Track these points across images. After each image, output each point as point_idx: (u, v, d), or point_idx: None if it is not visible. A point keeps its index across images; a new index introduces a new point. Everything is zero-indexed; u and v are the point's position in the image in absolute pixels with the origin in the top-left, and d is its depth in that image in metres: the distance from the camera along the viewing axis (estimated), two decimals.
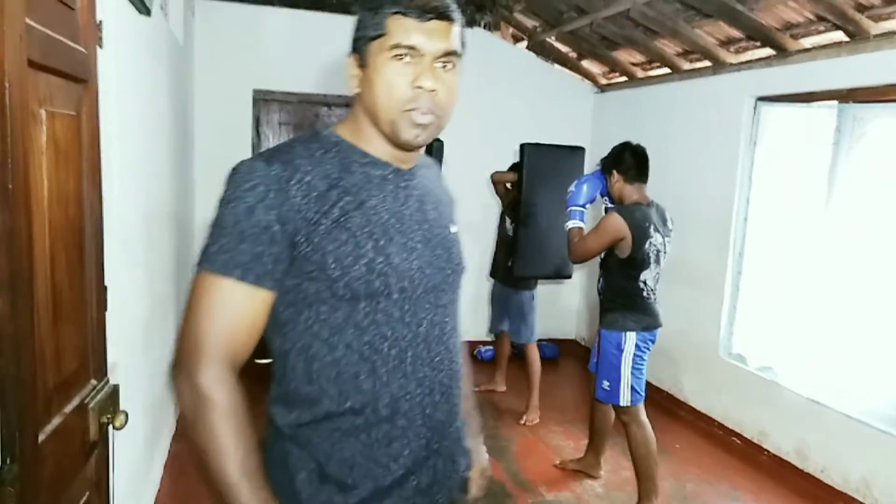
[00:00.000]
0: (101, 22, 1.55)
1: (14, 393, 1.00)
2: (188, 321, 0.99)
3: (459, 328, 1.23)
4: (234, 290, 0.98)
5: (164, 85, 2.92)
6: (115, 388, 1.47)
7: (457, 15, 1.07)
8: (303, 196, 0.99)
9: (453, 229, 1.24)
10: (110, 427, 1.41)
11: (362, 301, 1.02)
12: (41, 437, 1.11)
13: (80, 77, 1.35)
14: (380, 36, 1.02)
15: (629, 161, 2.91)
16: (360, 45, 1.06)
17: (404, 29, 1.01)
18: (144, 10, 2.19)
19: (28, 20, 1.04)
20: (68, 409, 1.25)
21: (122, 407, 1.48)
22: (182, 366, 0.98)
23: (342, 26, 1.51)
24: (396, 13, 1.01)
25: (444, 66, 1.06)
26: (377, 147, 1.09)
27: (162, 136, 2.82)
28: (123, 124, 1.92)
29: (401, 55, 1.02)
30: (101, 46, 1.55)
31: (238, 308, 0.99)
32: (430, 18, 1.02)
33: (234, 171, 1.02)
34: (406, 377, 1.06)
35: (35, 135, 1.11)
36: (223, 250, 0.97)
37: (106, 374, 1.51)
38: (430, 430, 1.09)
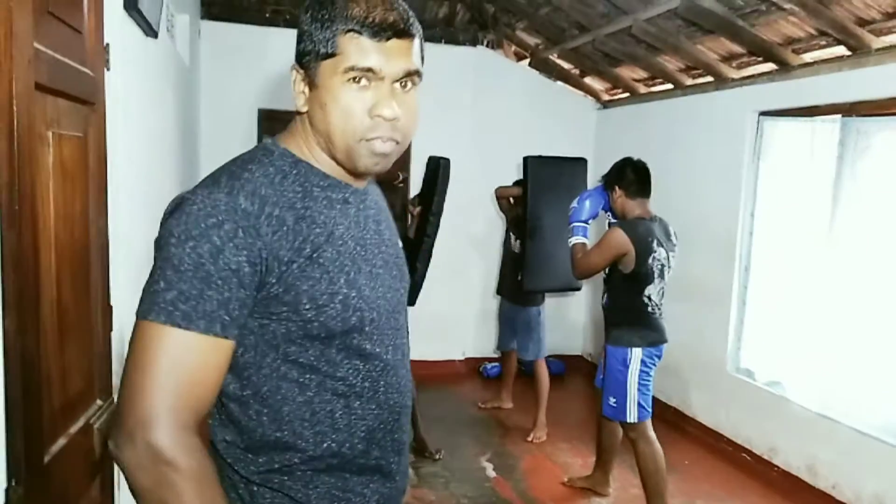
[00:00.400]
0: (108, 45, 1.57)
1: (20, 413, 1.01)
2: (139, 381, 0.85)
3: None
4: (198, 344, 0.86)
5: (171, 106, 2.95)
6: None
7: (416, 28, 0.96)
8: (273, 233, 0.89)
9: (399, 243, 1.15)
10: None
11: (336, 338, 0.95)
12: (46, 458, 1.11)
13: (88, 99, 1.37)
14: (331, 55, 0.91)
15: (631, 176, 2.91)
16: (307, 62, 0.94)
17: (360, 50, 0.90)
18: (151, 32, 2.22)
19: (36, 44, 1.06)
20: (74, 429, 1.25)
21: None
22: (134, 434, 0.83)
23: None
24: (350, 31, 0.90)
25: (404, 87, 0.95)
26: (330, 167, 0.99)
27: (168, 157, 2.84)
28: (130, 145, 1.94)
29: (356, 78, 0.91)
30: (108, 69, 1.57)
31: (202, 363, 0.87)
32: (389, 38, 0.91)
33: (184, 203, 0.89)
34: (380, 407, 1.01)
35: (42, 156, 1.12)
36: (183, 298, 0.85)
37: (111, 394, 1.52)
38: (396, 454, 1.06)
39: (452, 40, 5.07)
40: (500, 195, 4.22)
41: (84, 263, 1.37)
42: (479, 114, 5.10)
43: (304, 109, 0.97)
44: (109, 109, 1.55)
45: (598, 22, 4.14)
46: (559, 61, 5.22)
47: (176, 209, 0.89)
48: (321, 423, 0.97)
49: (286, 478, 0.97)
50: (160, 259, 0.88)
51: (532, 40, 5.22)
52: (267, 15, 4.66)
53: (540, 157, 3.88)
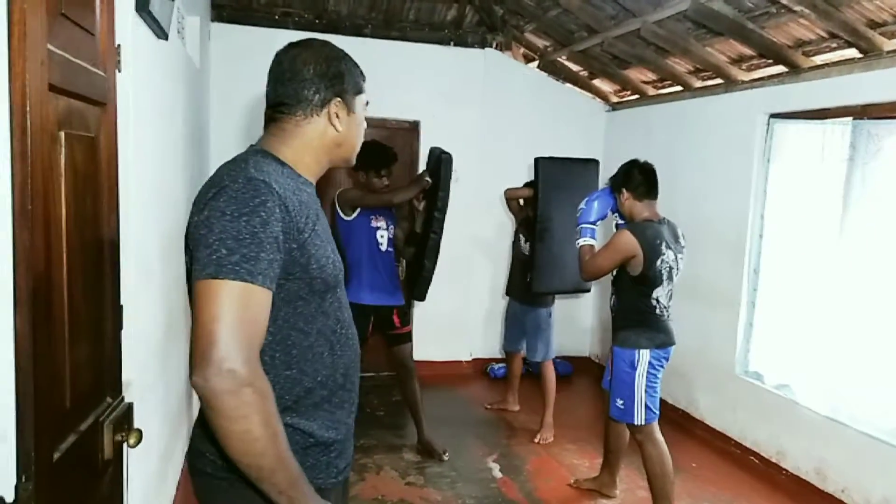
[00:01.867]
0: (119, 46, 1.58)
1: (30, 411, 1.02)
2: (219, 326, 1.05)
3: None
4: (258, 294, 1.09)
5: (181, 107, 2.97)
6: (130, 406, 1.48)
7: None
8: (293, 210, 1.17)
9: None
10: (124, 445, 1.42)
11: (329, 293, 1.26)
12: (56, 456, 1.12)
13: (99, 100, 1.38)
14: (361, 93, 1.34)
15: (638, 178, 2.91)
16: (347, 97, 1.31)
17: (365, 89, 1.37)
18: (162, 34, 2.24)
19: (49, 46, 1.07)
20: (83, 427, 1.26)
21: (136, 425, 1.50)
22: (220, 367, 1.04)
23: (356, 49, 1.55)
24: (361, 77, 1.36)
25: None
26: (306, 170, 1.31)
27: (178, 157, 2.86)
28: (141, 146, 1.95)
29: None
30: (119, 70, 1.59)
31: (261, 309, 1.11)
32: None
33: (229, 189, 1.13)
34: (350, 349, 1.33)
35: (54, 157, 1.14)
36: (245, 260, 1.08)
37: (121, 392, 1.53)
38: (357, 390, 1.38)
39: (461, 42, 5.08)
40: (510, 196, 4.21)
41: (95, 262, 1.38)
42: (488, 116, 5.11)
43: (341, 129, 1.31)
44: (120, 110, 1.57)
45: (607, 24, 4.14)
46: (568, 63, 5.22)
47: (220, 192, 1.13)
48: (317, 362, 1.25)
49: (294, 414, 1.23)
50: (216, 232, 1.10)
51: (541, 42, 5.22)
52: (276, 17, 4.69)
53: (551, 158, 3.88)
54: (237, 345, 1.05)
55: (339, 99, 1.29)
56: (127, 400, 1.50)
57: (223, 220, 1.10)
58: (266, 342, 1.15)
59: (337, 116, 1.30)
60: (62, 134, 1.17)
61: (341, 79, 1.30)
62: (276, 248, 1.12)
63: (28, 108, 0.98)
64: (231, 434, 1.05)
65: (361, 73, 1.36)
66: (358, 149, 1.37)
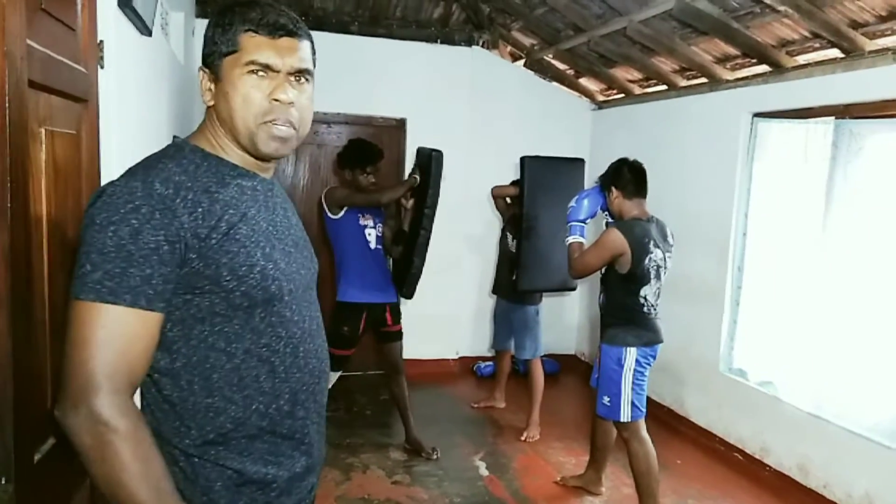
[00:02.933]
0: (101, 42, 1.56)
1: (9, 412, 1.00)
2: (78, 354, 0.94)
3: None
4: (126, 317, 0.96)
5: (165, 103, 2.94)
6: None
7: (305, 32, 1.12)
8: (189, 213, 1.00)
9: (303, 230, 1.29)
10: None
11: (259, 307, 1.07)
12: (37, 457, 1.11)
13: (81, 97, 1.37)
14: (233, 52, 1.06)
15: (627, 177, 2.92)
16: (212, 61, 1.09)
17: (256, 45, 1.06)
18: (145, 30, 2.21)
19: (29, 41, 1.05)
20: None
21: None
22: (77, 401, 0.93)
23: (343, 46, 1.54)
24: (248, 30, 1.06)
25: (298, 81, 1.10)
26: (239, 158, 1.12)
27: None
28: (123, 143, 1.93)
29: (255, 70, 1.06)
30: (101, 66, 1.57)
31: (132, 334, 0.96)
32: (281, 36, 1.07)
33: (104, 193, 0.99)
34: (300, 370, 1.13)
35: (35, 154, 1.12)
36: (108, 276, 0.94)
37: None
38: (318, 415, 1.20)
39: (448, 40, 5.07)
40: (497, 195, 4.22)
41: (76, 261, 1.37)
42: (475, 113, 5.10)
43: (211, 103, 1.11)
44: (103, 107, 1.55)
45: (593, 23, 4.15)
46: (554, 62, 5.23)
47: (96, 199, 0.99)
48: (249, 388, 1.07)
49: (222, 448, 1.06)
50: (85, 244, 0.97)
51: (527, 41, 5.22)
52: None
53: (537, 157, 3.88)
54: (97, 378, 0.93)
55: (203, 68, 1.11)
56: None
57: (91, 231, 0.96)
58: (178, 366, 1.04)
59: (209, 90, 1.10)
60: (42, 131, 1.15)
61: (208, 43, 1.10)
62: (157, 259, 0.96)
63: (7, 105, 0.97)
64: (94, 476, 0.95)
65: (249, 19, 1.06)
66: (249, 124, 1.07)
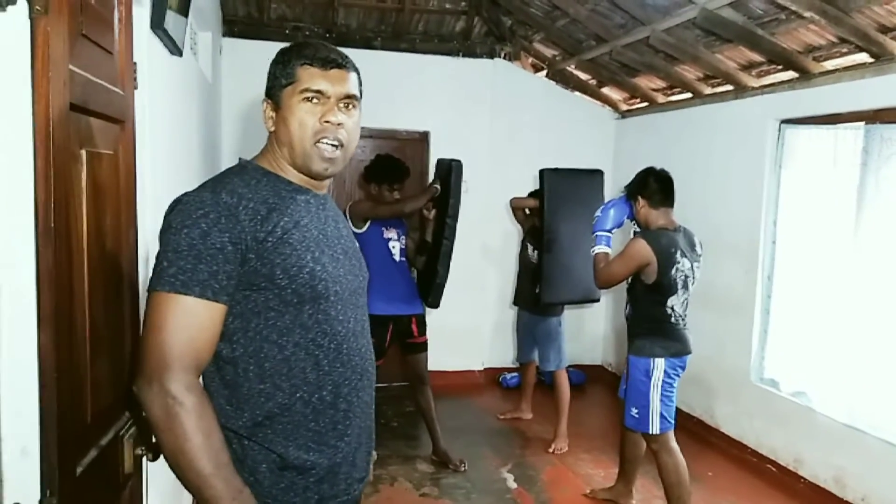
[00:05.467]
0: (136, 64, 1.60)
1: (54, 426, 1.03)
2: (153, 337, 1.09)
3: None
4: (196, 307, 1.10)
5: (195, 121, 3.00)
6: None
7: (353, 66, 1.28)
8: (250, 219, 1.15)
9: (356, 242, 1.42)
10: (144, 459, 1.42)
11: (307, 304, 1.19)
12: (79, 470, 1.13)
13: (118, 118, 1.40)
14: (291, 83, 1.23)
15: (653, 186, 2.90)
16: (273, 92, 1.26)
17: (310, 76, 1.22)
18: (176, 50, 2.27)
19: (71, 66, 1.09)
20: (104, 441, 1.27)
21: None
22: (151, 378, 1.08)
23: (367, 61, 1.57)
24: (304, 64, 1.23)
25: (347, 107, 1.25)
26: (295, 177, 1.27)
27: (192, 171, 2.89)
28: (156, 161, 1.98)
29: (309, 97, 1.22)
30: (136, 87, 1.61)
31: (199, 322, 1.11)
32: (332, 68, 1.24)
33: (180, 202, 1.16)
34: (344, 366, 1.24)
35: (76, 175, 1.15)
36: (181, 271, 1.10)
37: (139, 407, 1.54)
38: (362, 410, 1.29)
39: (470, 53, 5.10)
40: (516, 206, 4.22)
41: (115, 277, 1.40)
42: (497, 125, 5.12)
43: (272, 129, 1.27)
44: (137, 126, 1.59)
45: (616, 33, 4.15)
46: (576, 72, 5.23)
47: (174, 207, 1.16)
48: (296, 377, 1.19)
49: (269, 431, 1.19)
50: (162, 245, 1.13)
51: (549, 52, 5.23)
52: (287, 31, 4.73)
53: (556, 169, 3.87)
54: (169, 358, 1.08)
55: (266, 99, 1.28)
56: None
57: (168, 234, 1.13)
58: (237, 354, 1.17)
59: (271, 118, 1.27)
60: (83, 152, 1.18)
61: (270, 78, 1.28)
62: (222, 258, 1.11)
63: (51, 128, 1.00)
64: (162, 442, 1.10)
65: (304, 55, 1.24)
66: (304, 145, 1.23)
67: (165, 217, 1.16)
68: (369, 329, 1.36)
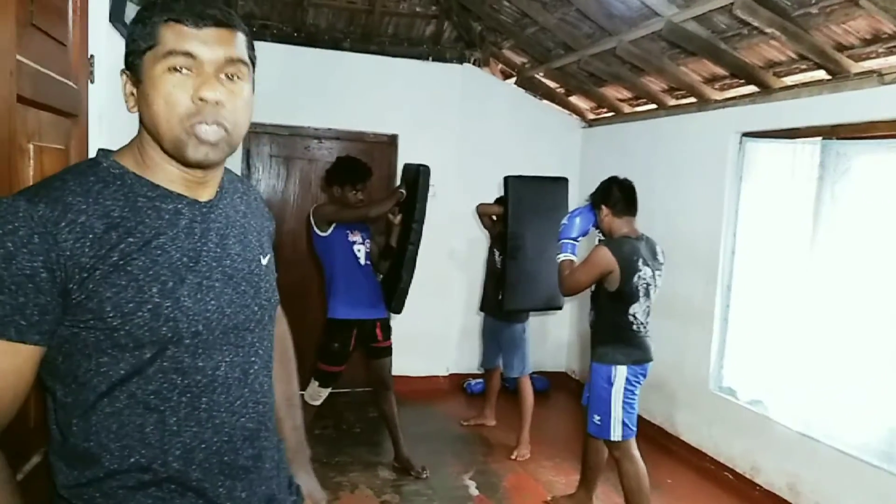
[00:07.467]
0: (92, 57, 1.56)
1: None
2: None
3: (271, 365, 1.12)
4: None
5: None
6: None
7: (239, 23, 0.98)
8: (75, 240, 0.88)
9: (264, 261, 1.12)
10: None
11: (147, 350, 0.93)
12: (20, 477, 1.08)
13: (71, 112, 1.36)
14: (151, 46, 0.92)
15: (617, 195, 2.94)
16: (132, 60, 0.95)
17: (178, 35, 0.92)
18: None
19: (19, 57, 1.05)
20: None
21: None
22: None
23: (334, 61, 1.54)
24: (169, 20, 0.92)
25: (231, 79, 0.96)
26: (167, 175, 0.98)
27: None
28: None
29: (178, 66, 0.92)
30: (92, 81, 1.56)
31: None
32: (207, 25, 0.93)
33: None
34: (200, 425, 0.98)
35: (23, 169, 1.11)
36: None
37: None
38: (230, 479, 1.01)
39: (439, 58, 5.10)
40: (482, 213, 4.23)
41: None
42: (465, 130, 5.13)
43: (134, 110, 0.97)
44: (92, 122, 1.54)
45: (584, 42, 4.19)
46: (545, 80, 5.27)
47: None
48: (129, 437, 0.94)
49: (97, 493, 0.94)
50: None
51: (518, 59, 5.27)
52: (254, 29, 4.66)
53: (521, 176, 3.89)
54: None
55: (124, 71, 0.98)
56: None
57: None
58: (69, 401, 0.94)
59: (131, 95, 0.97)
60: (31, 146, 1.14)
61: (128, 43, 0.96)
62: (33, 287, 0.86)
63: None
64: None
65: (169, 8, 0.93)
66: (174, 130, 0.94)
67: None
68: (264, 374, 1.09)
